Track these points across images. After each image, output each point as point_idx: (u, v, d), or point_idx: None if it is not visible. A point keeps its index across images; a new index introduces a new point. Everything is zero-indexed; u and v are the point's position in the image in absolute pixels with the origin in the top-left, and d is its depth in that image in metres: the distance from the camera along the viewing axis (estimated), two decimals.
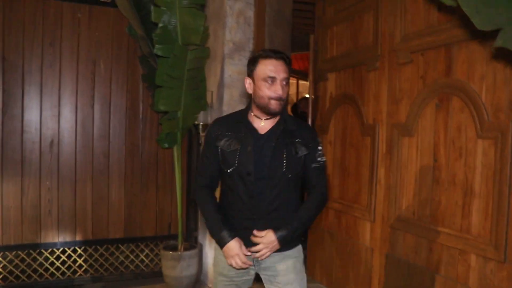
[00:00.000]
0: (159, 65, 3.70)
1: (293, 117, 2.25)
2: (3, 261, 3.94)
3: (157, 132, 4.42)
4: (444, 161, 2.86)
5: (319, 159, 2.17)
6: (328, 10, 4.20)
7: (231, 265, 2.09)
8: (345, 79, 3.94)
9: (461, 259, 2.70)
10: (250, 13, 4.07)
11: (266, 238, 2.04)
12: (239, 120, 2.15)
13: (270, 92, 2.01)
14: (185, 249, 4.15)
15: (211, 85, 4.20)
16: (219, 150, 2.12)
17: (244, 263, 2.06)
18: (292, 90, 10.08)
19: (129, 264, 4.39)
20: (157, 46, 3.64)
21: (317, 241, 4.41)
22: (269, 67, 2.01)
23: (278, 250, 2.09)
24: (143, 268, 4.45)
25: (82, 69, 4.16)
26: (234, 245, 2.05)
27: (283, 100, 2.04)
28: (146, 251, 4.46)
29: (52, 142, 4.08)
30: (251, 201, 2.07)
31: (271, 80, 2.00)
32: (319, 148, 2.19)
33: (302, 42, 8.00)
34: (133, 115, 4.36)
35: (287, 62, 2.06)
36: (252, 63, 2.09)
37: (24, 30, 3.96)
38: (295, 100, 10.18)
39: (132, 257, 4.40)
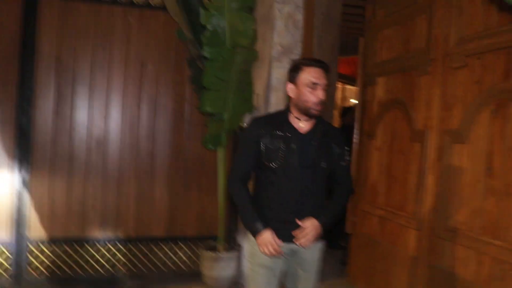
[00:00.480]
0: (207, 67, 3.73)
1: (324, 119, 2.49)
2: (48, 253, 4.06)
3: (202, 133, 4.45)
4: (499, 170, 2.73)
5: (346, 158, 2.48)
6: (378, 13, 4.12)
7: (263, 253, 2.30)
8: (395, 83, 3.85)
9: None
10: (299, 16, 4.04)
11: (311, 223, 2.29)
12: (281, 120, 2.38)
13: (313, 96, 2.25)
14: (225, 250, 4.15)
15: (258, 87, 4.19)
16: (263, 147, 2.32)
17: (275, 250, 2.28)
18: (339, 94, 9.96)
19: (169, 263, 4.44)
20: (205, 48, 3.67)
21: (359, 247, 4.31)
22: (312, 74, 2.25)
23: None
24: (183, 267, 4.49)
25: (131, 70, 4.25)
26: (268, 234, 2.28)
27: (323, 104, 2.28)
28: (186, 250, 4.49)
29: (99, 141, 4.17)
30: (294, 194, 2.31)
31: (314, 86, 2.24)
32: (347, 148, 2.48)
33: (350, 46, 7.87)
34: (179, 116, 4.41)
35: (327, 70, 2.30)
36: (295, 70, 2.32)
37: (78, 33, 4.08)
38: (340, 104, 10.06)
39: (172, 255, 4.44)
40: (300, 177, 2.31)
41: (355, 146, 4.38)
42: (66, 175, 4.10)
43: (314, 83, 2.24)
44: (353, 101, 11.22)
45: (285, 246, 2.34)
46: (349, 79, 10.17)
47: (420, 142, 3.47)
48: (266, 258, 2.34)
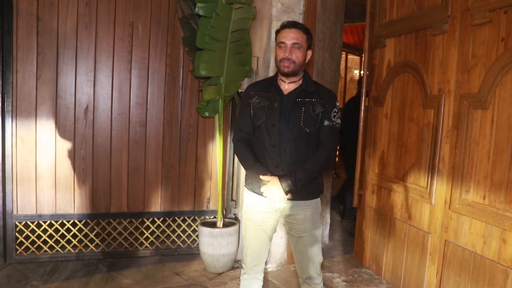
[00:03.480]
0: (200, 25, 3.39)
1: (314, 81, 2.58)
2: (37, 230, 3.80)
3: (198, 100, 4.13)
4: None
5: (333, 119, 2.45)
6: None
7: (269, 199, 2.38)
8: (406, 45, 3.52)
9: None
10: None
11: (272, 180, 2.35)
12: (270, 83, 2.52)
13: (280, 54, 2.39)
14: (224, 225, 3.91)
15: (257, 50, 3.87)
16: (252, 107, 2.49)
17: (279, 198, 2.35)
18: (341, 64, 9.59)
19: (165, 239, 4.18)
20: (198, 4, 3.33)
21: (367, 222, 4.06)
22: (281, 35, 2.40)
23: (298, 199, 2.43)
24: (180, 244, 4.23)
25: (119, 31, 3.90)
26: (275, 182, 2.35)
27: (292, 61, 2.36)
28: (183, 226, 4.23)
29: (87, 108, 3.86)
30: (274, 149, 2.40)
31: (281, 44, 2.38)
32: (335, 110, 2.47)
33: (352, 12, 7.48)
34: (173, 81, 4.08)
35: (296, 26, 2.39)
36: (275, 36, 2.49)
37: None
38: (343, 75, 9.71)
39: (168, 232, 4.18)
40: (280, 134, 2.40)
41: (362, 114, 4.07)
42: (53, 146, 3.80)
43: (281, 42, 2.38)
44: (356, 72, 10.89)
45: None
46: (353, 49, 9.81)
47: (434, 109, 3.18)
48: (254, 213, 2.53)
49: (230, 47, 3.48)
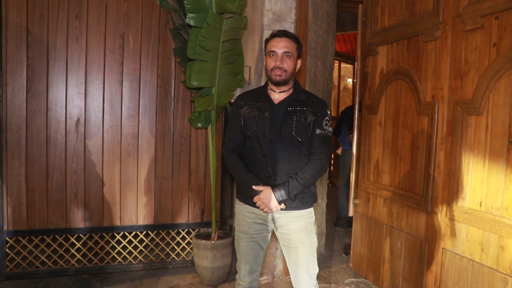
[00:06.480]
0: (191, 36, 3.36)
1: (305, 90, 2.57)
2: (28, 245, 3.72)
3: (190, 111, 4.10)
4: None
5: (325, 127, 2.44)
6: None
7: (262, 210, 2.37)
8: (399, 52, 3.51)
9: None
10: None
11: (265, 190, 2.34)
12: (260, 92, 2.51)
13: (271, 63, 2.38)
14: (219, 237, 3.85)
15: (249, 59, 3.84)
16: (242, 117, 2.47)
17: (272, 208, 2.34)
18: (335, 73, 9.61)
19: (160, 253, 4.12)
20: (189, 15, 3.31)
21: (363, 231, 4.02)
22: (271, 44, 2.40)
23: (291, 209, 2.41)
24: (174, 257, 4.17)
25: (110, 43, 3.87)
26: (268, 191, 2.34)
27: (283, 70, 2.36)
28: (178, 239, 4.17)
29: (78, 121, 3.82)
30: (265, 160, 2.37)
31: (272, 53, 2.37)
32: (327, 118, 2.47)
33: (344, 21, 7.52)
34: (165, 93, 4.05)
35: (286, 35, 2.39)
36: (265, 46, 2.47)
37: (49, 0, 3.68)
38: (336, 83, 9.71)
39: (162, 245, 4.12)
40: (271, 143, 2.38)
41: (356, 122, 4.04)
42: (44, 160, 3.75)
43: (271, 51, 2.38)
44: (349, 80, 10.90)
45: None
46: (346, 57, 9.83)
47: (428, 116, 3.16)
48: (246, 225, 2.48)
49: (222, 57, 3.45)
